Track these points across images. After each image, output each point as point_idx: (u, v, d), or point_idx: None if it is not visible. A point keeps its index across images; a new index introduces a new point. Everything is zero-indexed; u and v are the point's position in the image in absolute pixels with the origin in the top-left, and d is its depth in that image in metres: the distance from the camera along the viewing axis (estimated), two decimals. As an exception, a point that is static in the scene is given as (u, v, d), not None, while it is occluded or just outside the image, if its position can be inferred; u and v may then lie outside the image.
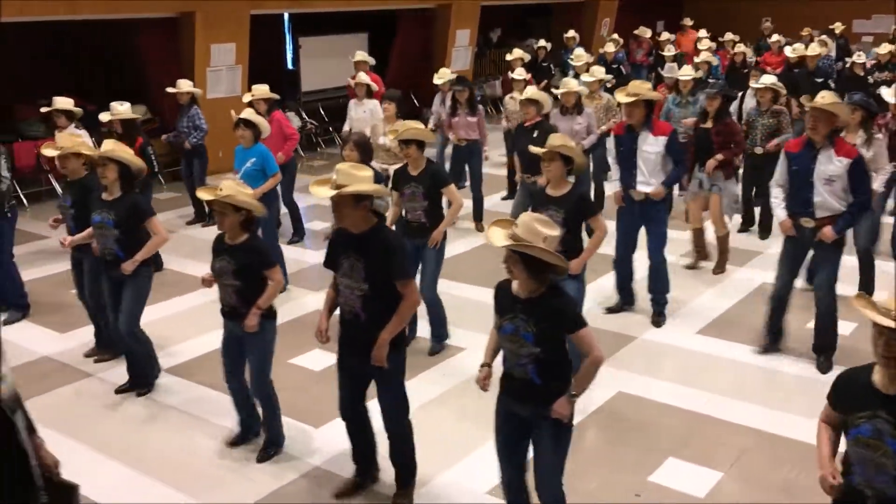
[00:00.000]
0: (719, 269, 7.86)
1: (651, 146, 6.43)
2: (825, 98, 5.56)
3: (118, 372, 6.00)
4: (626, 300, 7.01)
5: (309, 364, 6.13)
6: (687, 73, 9.50)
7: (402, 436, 4.40)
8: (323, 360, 6.16)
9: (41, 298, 7.35)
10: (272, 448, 4.94)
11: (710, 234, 7.94)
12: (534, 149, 5.63)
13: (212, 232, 9.32)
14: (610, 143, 7.63)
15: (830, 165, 5.53)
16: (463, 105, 9.36)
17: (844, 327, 6.50)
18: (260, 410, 4.97)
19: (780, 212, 5.83)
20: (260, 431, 5.08)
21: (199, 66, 11.61)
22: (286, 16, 15.41)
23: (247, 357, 4.78)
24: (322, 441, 5.11)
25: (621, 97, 6.52)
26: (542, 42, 14.98)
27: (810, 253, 5.92)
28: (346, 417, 4.46)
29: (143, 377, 5.78)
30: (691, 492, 4.58)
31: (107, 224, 5.37)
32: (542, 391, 3.62)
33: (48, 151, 6.33)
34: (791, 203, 5.76)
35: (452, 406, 5.50)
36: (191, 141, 9.43)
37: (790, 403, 5.53)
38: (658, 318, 6.76)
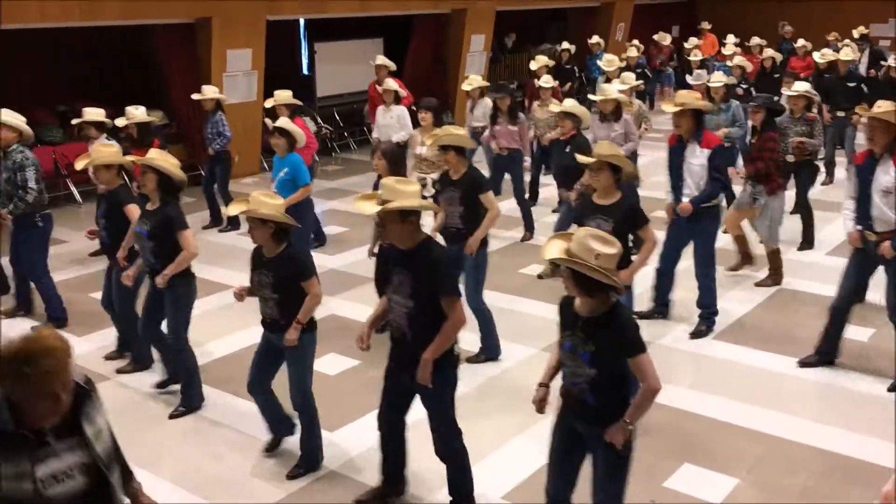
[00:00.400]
0: (768, 283, 7.67)
1: (697, 158, 6.29)
2: (882, 107, 5.42)
3: (136, 376, 6.07)
4: (659, 310, 6.94)
5: (325, 369, 6.14)
6: (718, 79, 9.24)
7: (453, 460, 4.29)
8: (338, 364, 6.19)
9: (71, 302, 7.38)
10: (305, 466, 4.83)
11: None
12: (582, 158, 5.53)
13: (228, 237, 9.45)
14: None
15: (886, 176, 5.39)
16: (504, 113, 9.25)
17: (862, 333, 6.47)
18: (298, 426, 4.91)
19: (848, 223, 5.72)
20: (293, 431, 5.02)
21: (216, 71, 11.68)
22: (302, 21, 15.49)
23: (288, 370, 4.72)
24: (337, 445, 5.12)
25: (668, 107, 6.38)
26: (565, 45, 14.93)
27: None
28: (382, 428, 4.41)
29: (178, 384, 5.74)
30: (707, 498, 4.56)
31: (142, 235, 5.38)
32: (595, 411, 3.53)
33: (80, 164, 6.36)
34: (857, 215, 5.62)
35: (470, 409, 5.45)
36: (214, 147, 9.50)
37: (806, 409, 5.51)
38: (701, 330, 6.63)
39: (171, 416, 5.54)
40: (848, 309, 5.86)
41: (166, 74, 12.01)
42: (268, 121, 7.58)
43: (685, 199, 6.36)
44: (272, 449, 5.05)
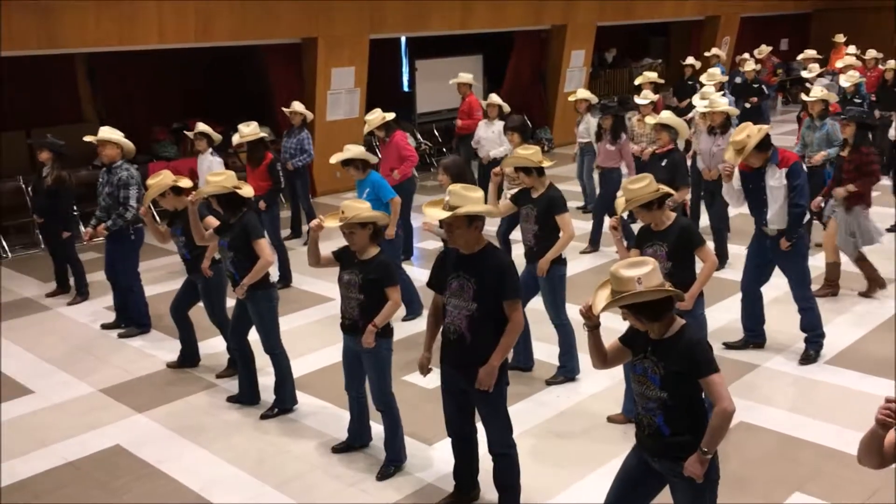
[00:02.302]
0: (824, 292, 7.50)
1: (777, 180, 6.02)
2: None
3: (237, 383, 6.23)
4: (753, 338, 6.60)
5: (422, 382, 6.15)
6: (815, 94, 8.93)
7: (505, 457, 4.36)
8: (435, 378, 6.16)
9: (167, 311, 7.65)
10: (392, 465, 4.99)
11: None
12: (619, 202, 5.16)
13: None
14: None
15: None
16: (606, 132, 9.21)
17: None
18: (382, 427, 5.04)
19: None
20: (368, 444, 5.25)
21: (321, 89, 12.00)
22: (403, 39, 15.74)
23: (367, 374, 4.91)
24: (435, 458, 5.14)
25: (729, 154, 6.01)
26: (690, 60, 14.60)
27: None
28: (454, 435, 4.53)
29: (278, 399, 5.83)
30: (819, 529, 4.35)
31: (223, 246, 5.63)
32: (672, 444, 3.41)
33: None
34: None
35: (545, 440, 5.38)
36: (294, 163, 9.72)
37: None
38: (809, 355, 6.36)
39: (263, 417, 5.71)
40: None
41: (273, 92, 12.40)
42: (337, 174, 7.72)
43: (770, 224, 6.12)
44: (338, 451, 5.23)
